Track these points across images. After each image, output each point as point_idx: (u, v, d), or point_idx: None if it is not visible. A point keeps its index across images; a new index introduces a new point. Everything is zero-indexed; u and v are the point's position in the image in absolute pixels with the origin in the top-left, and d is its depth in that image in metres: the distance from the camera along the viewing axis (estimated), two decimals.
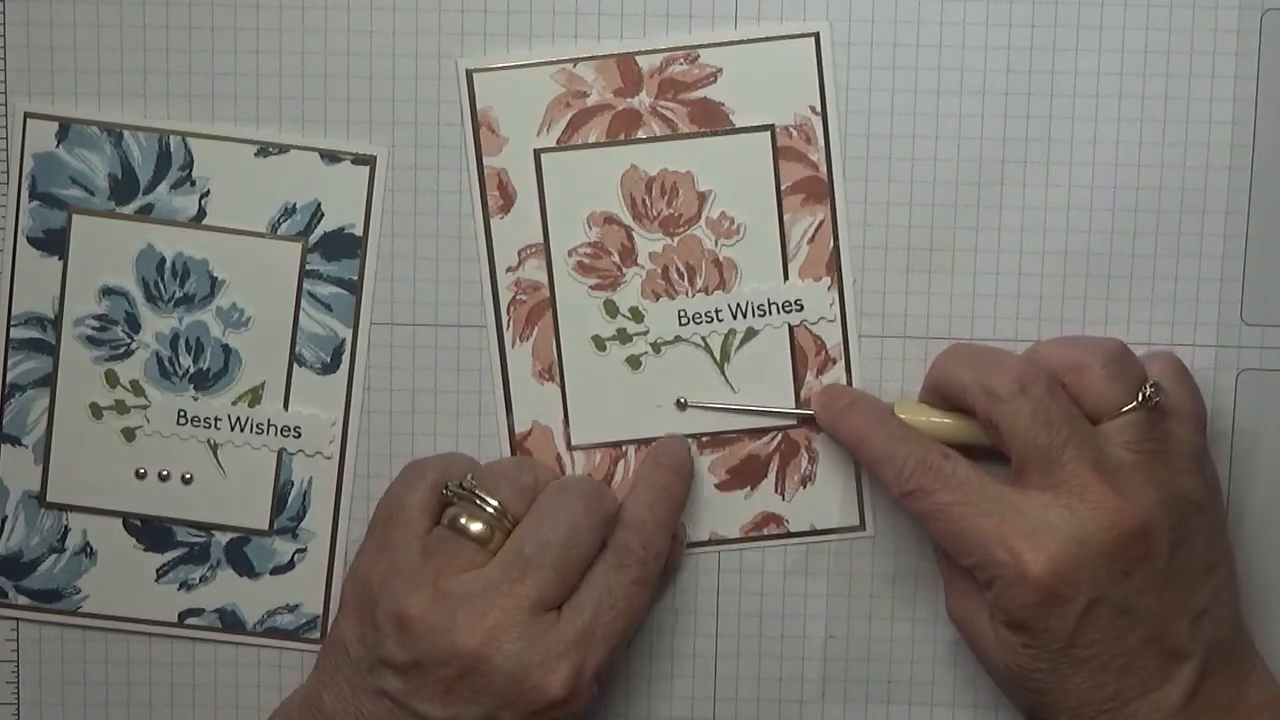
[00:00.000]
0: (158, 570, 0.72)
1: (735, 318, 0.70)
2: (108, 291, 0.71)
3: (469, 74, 0.70)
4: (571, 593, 0.66)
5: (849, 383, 0.71)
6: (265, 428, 0.71)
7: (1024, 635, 0.65)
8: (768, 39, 0.69)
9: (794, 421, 0.71)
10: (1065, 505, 0.64)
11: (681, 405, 0.71)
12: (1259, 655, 0.69)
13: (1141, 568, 0.64)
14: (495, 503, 0.67)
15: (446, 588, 0.65)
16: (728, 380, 0.71)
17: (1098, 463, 0.64)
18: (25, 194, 0.70)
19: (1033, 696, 0.66)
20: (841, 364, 0.71)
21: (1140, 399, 0.65)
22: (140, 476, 0.71)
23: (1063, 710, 0.66)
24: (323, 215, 0.70)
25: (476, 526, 0.67)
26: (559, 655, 0.65)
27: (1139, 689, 0.65)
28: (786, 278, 0.70)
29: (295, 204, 0.70)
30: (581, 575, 0.66)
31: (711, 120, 0.70)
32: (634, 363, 0.71)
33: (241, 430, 0.71)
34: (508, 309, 0.71)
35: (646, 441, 0.71)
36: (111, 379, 0.71)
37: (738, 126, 0.70)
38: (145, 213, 0.70)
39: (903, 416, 0.68)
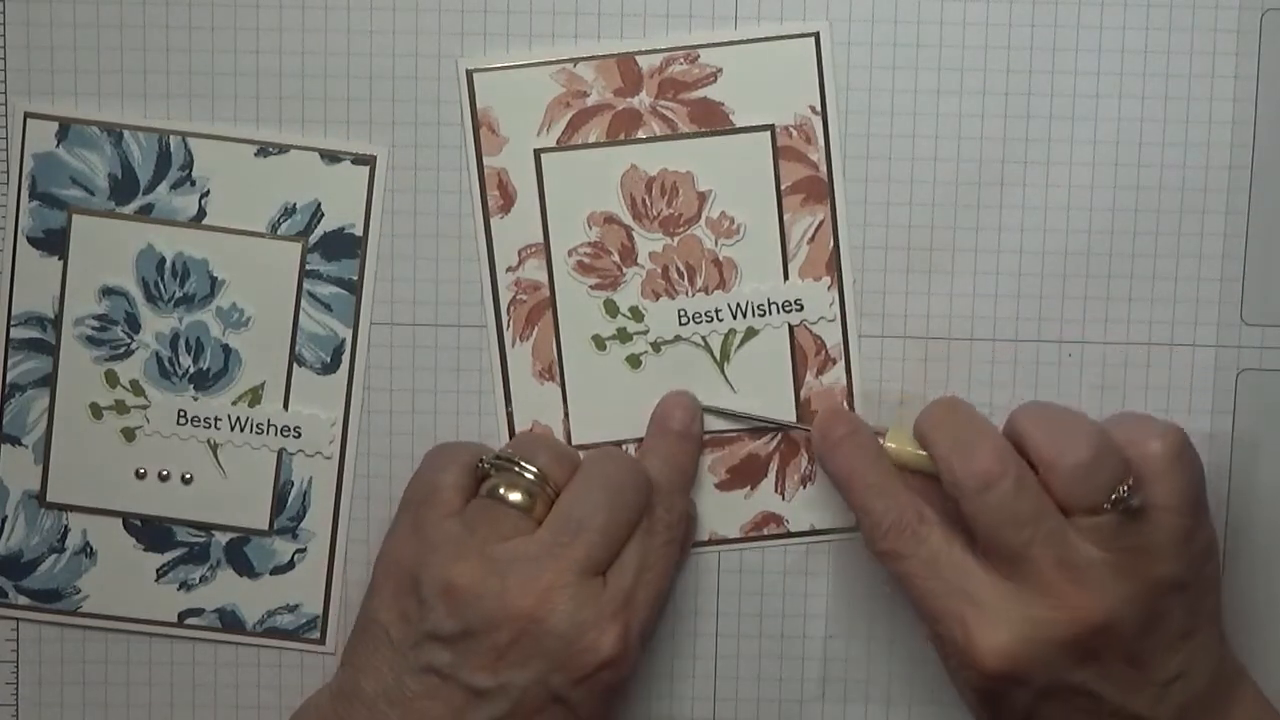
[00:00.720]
0: (158, 570, 0.72)
1: (735, 317, 0.70)
2: (108, 291, 0.71)
3: (469, 74, 0.70)
4: (614, 558, 0.67)
5: (849, 382, 0.71)
6: (265, 428, 0.71)
7: (982, 705, 0.65)
8: (768, 39, 0.69)
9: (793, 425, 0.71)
10: (1026, 601, 0.63)
11: None
12: (1251, 681, 0.68)
13: (1104, 655, 0.63)
14: (535, 470, 0.67)
15: (493, 554, 0.65)
16: (728, 380, 0.71)
17: (1063, 560, 0.63)
18: (25, 194, 0.70)
19: None
20: (841, 364, 0.71)
21: (1112, 501, 0.63)
22: (140, 476, 0.71)
23: None
24: (323, 215, 0.70)
25: (517, 495, 0.67)
26: (609, 616, 0.65)
27: None
28: (786, 277, 0.70)
29: (295, 204, 0.70)
30: (625, 542, 0.67)
31: (711, 120, 0.70)
32: (634, 362, 0.71)
33: (241, 430, 0.71)
34: (508, 309, 0.71)
35: None
36: (111, 379, 0.71)
37: (738, 126, 0.70)
38: (145, 213, 0.70)
39: (891, 445, 0.67)
